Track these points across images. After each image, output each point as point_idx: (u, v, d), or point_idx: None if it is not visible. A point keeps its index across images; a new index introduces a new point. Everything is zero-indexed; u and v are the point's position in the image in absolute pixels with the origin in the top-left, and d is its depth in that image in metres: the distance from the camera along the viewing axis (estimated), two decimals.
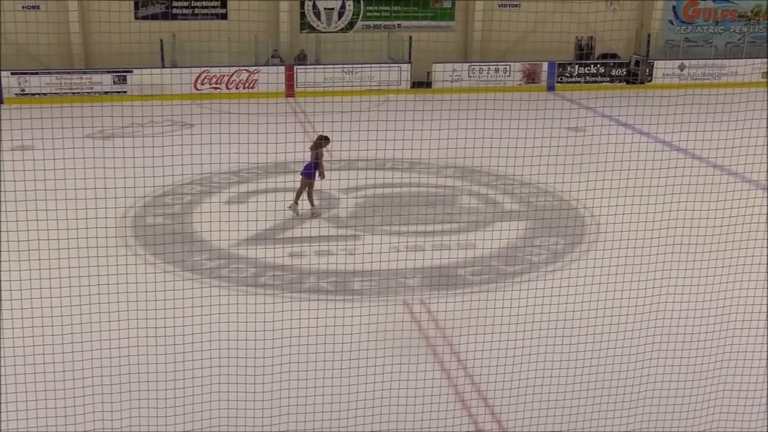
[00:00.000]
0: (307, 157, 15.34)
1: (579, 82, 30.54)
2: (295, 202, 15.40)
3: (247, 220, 13.38)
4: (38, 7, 27.41)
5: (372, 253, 12.77)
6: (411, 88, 29.02)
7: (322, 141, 15.29)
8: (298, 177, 15.48)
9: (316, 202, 15.65)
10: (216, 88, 27.87)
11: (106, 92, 27.02)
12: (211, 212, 14.52)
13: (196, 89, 27.64)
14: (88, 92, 26.91)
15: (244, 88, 27.94)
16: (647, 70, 30.90)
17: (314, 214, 15.49)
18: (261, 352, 9.01)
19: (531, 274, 12.96)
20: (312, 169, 15.23)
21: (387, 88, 28.49)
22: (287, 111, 25.27)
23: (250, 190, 16.91)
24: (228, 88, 27.93)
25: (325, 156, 16.07)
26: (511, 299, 10.68)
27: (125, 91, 27.12)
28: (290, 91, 28.44)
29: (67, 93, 26.63)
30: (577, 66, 30.64)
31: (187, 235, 14.11)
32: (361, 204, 16.13)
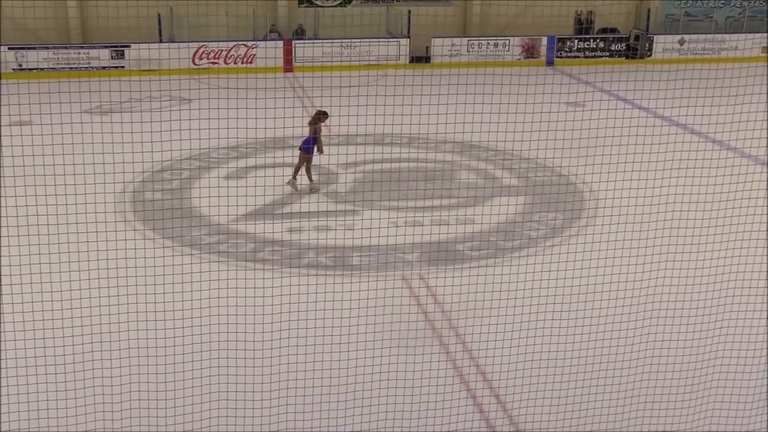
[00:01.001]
0: (306, 132, 15.30)
1: (578, 56, 30.44)
2: (294, 178, 15.38)
3: (246, 196, 13.36)
4: None
5: (371, 228, 12.76)
6: (410, 62, 28.92)
7: (320, 116, 15.24)
8: (297, 152, 15.44)
9: (314, 178, 15.63)
10: (214, 63, 27.76)
11: (104, 67, 26.91)
12: (209, 187, 14.50)
13: (194, 64, 27.53)
14: (85, 67, 26.80)
15: (242, 62, 27.84)
16: (647, 45, 30.76)
17: (313, 189, 15.47)
18: (260, 327, 9.03)
19: (530, 249, 12.98)
20: (310, 144, 15.19)
21: (386, 63, 28.36)
22: (285, 86, 25.18)
23: (248, 166, 16.88)
24: (226, 63, 27.82)
25: (324, 131, 16.02)
26: (510, 274, 10.69)
27: (123, 66, 27.01)
28: (288, 65, 28.33)
29: (64, 68, 26.53)
30: (576, 41, 30.53)
31: (186, 211, 14.10)
32: (360, 179, 16.11)
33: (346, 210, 14.55)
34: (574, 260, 9.97)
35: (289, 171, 15.50)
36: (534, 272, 10.34)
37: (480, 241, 13.28)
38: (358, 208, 14.53)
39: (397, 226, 13.57)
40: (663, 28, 32.13)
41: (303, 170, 15.41)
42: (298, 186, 15.40)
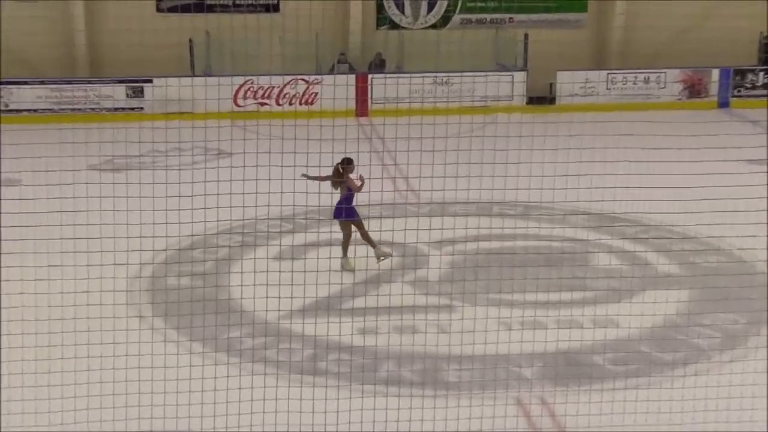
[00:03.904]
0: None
1: (765, 95, 30.07)
2: (345, 256, 15.52)
3: (304, 284, 13.39)
4: None
5: (473, 331, 12.65)
6: (527, 104, 29.05)
7: (345, 167, 15.20)
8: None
9: (375, 239, 15.65)
10: (263, 104, 28.34)
11: (118, 109, 27.65)
12: (254, 272, 14.61)
13: (237, 105, 28.14)
14: (93, 108, 27.61)
15: (300, 104, 28.36)
16: None
17: (382, 257, 15.53)
18: None
19: (698, 365, 12.69)
20: (346, 205, 15.24)
21: (494, 105, 28.55)
22: (359, 136, 25.51)
23: (306, 243, 17.02)
24: (279, 104, 28.40)
25: (412, 198, 16.08)
26: (671, 400, 10.43)
27: (142, 108, 27.77)
28: (362, 108, 28.75)
29: (66, 110, 27.34)
30: (761, 74, 30.24)
31: (221, 303, 14.22)
32: (459, 263, 16.07)
33: (440, 305, 14.48)
34: (762, 382, 9.72)
35: (362, 247, 15.60)
36: (707, 398, 10.08)
37: (626, 352, 13.05)
38: (456, 303, 14.45)
39: (510, 330, 13.43)
40: None
41: (360, 240, 15.55)
42: (353, 264, 15.52)
